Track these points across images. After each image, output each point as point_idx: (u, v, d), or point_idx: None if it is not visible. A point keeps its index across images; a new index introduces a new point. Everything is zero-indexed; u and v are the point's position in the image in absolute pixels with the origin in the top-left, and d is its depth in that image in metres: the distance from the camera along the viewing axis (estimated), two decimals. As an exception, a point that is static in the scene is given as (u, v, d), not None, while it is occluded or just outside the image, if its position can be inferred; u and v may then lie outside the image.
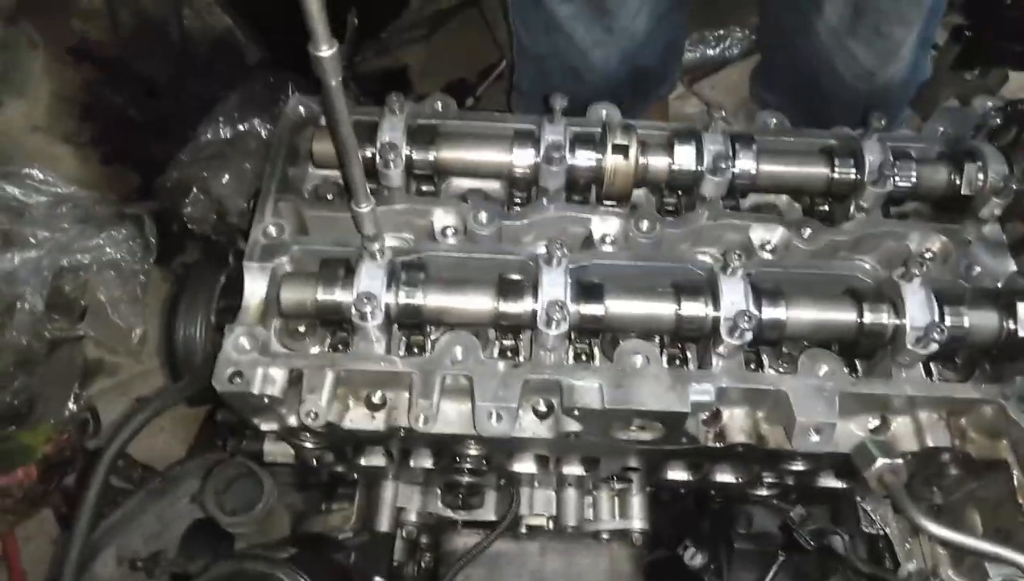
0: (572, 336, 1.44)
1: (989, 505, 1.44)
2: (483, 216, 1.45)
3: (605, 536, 1.76)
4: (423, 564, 1.82)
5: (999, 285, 1.47)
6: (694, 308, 1.34)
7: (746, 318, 1.29)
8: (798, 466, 1.46)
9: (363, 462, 1.56)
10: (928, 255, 1.51)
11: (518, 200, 1.62)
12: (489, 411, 1.28)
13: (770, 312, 1.34)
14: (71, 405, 2.51)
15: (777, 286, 1.39)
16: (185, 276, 1.62)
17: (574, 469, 1.58)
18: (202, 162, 2.50)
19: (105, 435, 2.54)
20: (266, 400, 1.29)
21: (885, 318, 1.35)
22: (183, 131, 2.58)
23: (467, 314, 1.36)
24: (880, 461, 1.27)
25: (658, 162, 1.52)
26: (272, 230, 1.42)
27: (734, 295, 1.32)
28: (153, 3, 2.68)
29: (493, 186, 1.64)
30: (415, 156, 1.51)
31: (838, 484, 1.54)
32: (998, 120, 1.59)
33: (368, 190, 1.28)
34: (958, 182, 1.54)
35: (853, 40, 2.23)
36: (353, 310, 1.29)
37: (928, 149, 1.63)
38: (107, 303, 2.57)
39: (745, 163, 1.52)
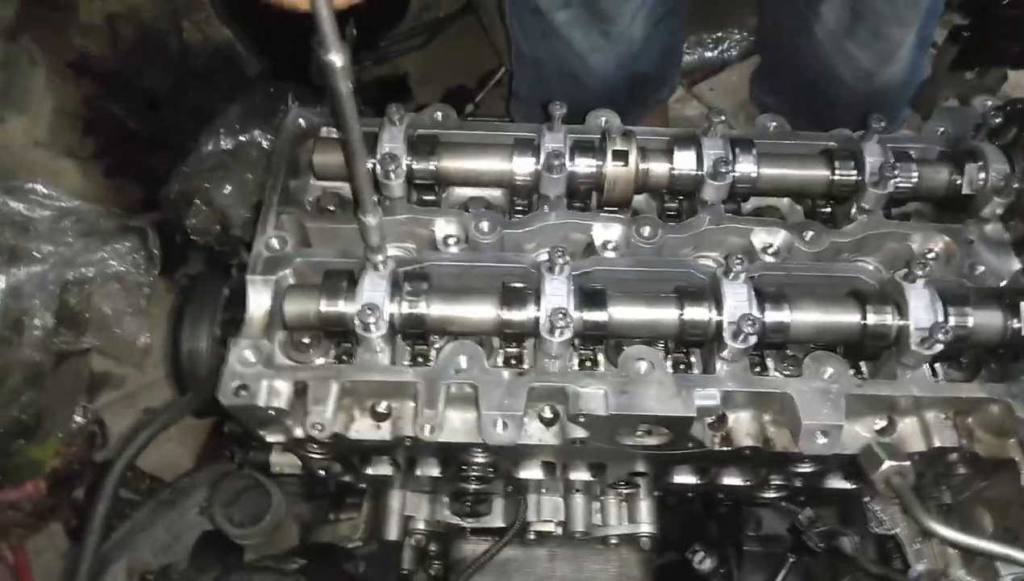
0: (576, 343, 1.44)
1: (998, 504, 1.44)
2: (485, 225, 1.45)
3: (614, 541, 1.76)
4: (432, 572, 1.81)
5: (1003, 284, 1.47)
6: (697, 313, 1.34)
7: (750, 322, 1.29)
8: (805, 468, 1.45)
9: (370, 472, 1.57)
10: (931, 255, 1.51)
11: (519, 208, 1.62)
12: (495, 419, 1.28)
13: (774, 315, 1.34)
14: (78, 418, 2.52)
15: (780, 289, 1.38)
16: (189, 288, 1.62)
17: (581, 475, 1.58)
18: (204, 173, 2.50)
19: (113, 448, 2.55)
20: (272, 412, 1.29)
21: (889, 319, 1.34)
22: (184, 143, 2.59)
23: (471, 323, 1.36)
24: (887, 463, 1.27)
25: (658, 167, 1.52)
26: (275, 243, 1.42)
27: (737, 299, 1.32)
28: (152, 16, 2.69)
29: (494, 194, 1.65)
30: (416, 166, 1.51)
31: (846, 485, 1.54)
32: (998, 119, 1.59)
33: (376, 201, 1.28)
34: (959, 182, 1.54)
35: (851, 42, 2.23)
36: (357, 321, 1.29)
37: (928, 149, 1.63)
38: (112, 315, 2.57)
39: (745, 167, 1.52)
